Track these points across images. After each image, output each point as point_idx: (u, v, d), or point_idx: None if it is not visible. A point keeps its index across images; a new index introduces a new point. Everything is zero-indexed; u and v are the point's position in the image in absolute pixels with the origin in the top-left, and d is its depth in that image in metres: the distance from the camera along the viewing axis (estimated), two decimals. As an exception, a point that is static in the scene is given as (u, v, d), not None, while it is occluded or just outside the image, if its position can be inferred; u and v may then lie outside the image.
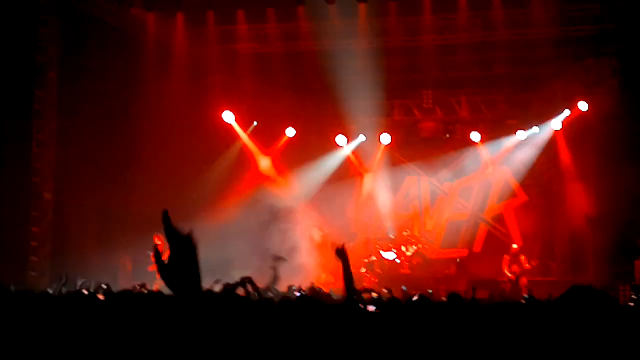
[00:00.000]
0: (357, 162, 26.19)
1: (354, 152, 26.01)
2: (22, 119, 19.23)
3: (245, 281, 6.92)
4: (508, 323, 5.71)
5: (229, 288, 6.28)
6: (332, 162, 25.71)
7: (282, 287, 12.76)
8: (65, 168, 19.96)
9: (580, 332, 4.43)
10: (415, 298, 6.34)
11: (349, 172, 26.34)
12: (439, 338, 5.72)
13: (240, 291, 7.25)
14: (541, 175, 25.08)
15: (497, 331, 5.64)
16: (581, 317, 4.43)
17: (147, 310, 5.63)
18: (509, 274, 21.78)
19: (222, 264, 22.33)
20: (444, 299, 10.38)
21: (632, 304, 14.38)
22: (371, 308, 7.14)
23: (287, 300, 5.50)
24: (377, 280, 23.21)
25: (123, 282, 21.02)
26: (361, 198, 26.52)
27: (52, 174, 19.66)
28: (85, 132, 20.60)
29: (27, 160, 19.27)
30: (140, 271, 21.58)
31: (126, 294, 6.24)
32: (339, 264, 5.91)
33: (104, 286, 17.36)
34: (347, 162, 26.06)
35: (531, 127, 24.34)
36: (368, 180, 26.43)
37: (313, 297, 6.34)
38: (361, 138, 25.66)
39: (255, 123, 24.91)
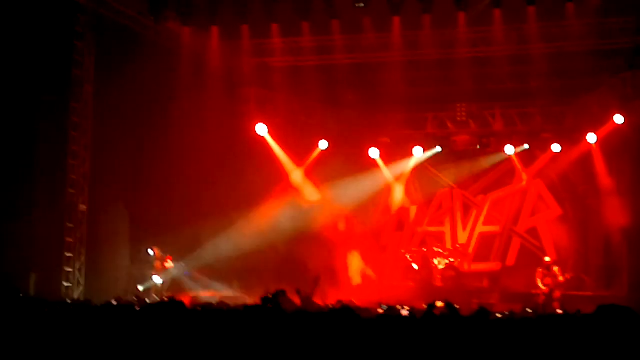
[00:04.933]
0: (388, 174, 26.15)
1: (387, 164, 26.01)
2: (59, 131, 19.46)
3: (280, 294, 6.95)
4: (541, 337, 5.67)
5: (265, 300, 6.32)
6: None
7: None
8: (99, 179, 20.14)
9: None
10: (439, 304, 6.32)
11: (381, 184, 26.31)
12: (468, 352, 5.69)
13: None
14: (576, 188, 24.87)
15: (532, 345, 5.60)
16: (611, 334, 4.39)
17: (181, 321, 5.67)
18: (543, 287, 21.58)
19: (253, 272, 22.52)
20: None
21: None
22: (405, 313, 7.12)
23: (321, 312, 5.51)
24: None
25: (156, 292, 21.18)
26: (392, 210, 26.48)
27: (87, 185, 19.85)
28: (119, 143, 20.79)
29: (63, 172, 19.47)
30: (172, 281, 21.73)
31: (160, 305, 6.28)
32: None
33: (135, 298, 17.55)
34: (379, 174, 26.05)
35: (566, 140, 24.19)
36: (400, 192, 26.39)
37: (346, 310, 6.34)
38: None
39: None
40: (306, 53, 22.98)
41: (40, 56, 18.48)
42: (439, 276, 24.52)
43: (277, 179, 24.85)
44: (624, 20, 21.00)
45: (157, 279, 21.33)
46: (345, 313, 5.60)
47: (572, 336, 5.27)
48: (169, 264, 21.48)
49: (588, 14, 20.39)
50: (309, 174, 25.53)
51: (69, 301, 16.81)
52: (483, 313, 7.30)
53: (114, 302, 11.60)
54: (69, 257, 19.40)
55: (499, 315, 13.09)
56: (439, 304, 6.77)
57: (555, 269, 21.79)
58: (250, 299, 18.15)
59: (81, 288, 19.52)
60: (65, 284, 19.21)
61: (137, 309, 8.24)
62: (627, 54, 21.65)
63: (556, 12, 20.41)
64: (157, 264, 21.46)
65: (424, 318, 6.39)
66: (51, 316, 6.73)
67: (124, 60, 20.35)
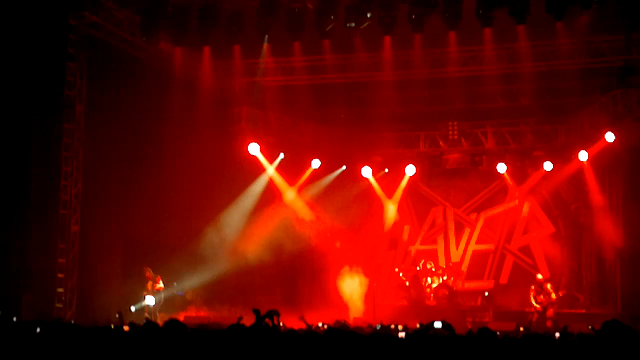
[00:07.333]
0: (381, 192, 26.17)
1: (379, 182, 26.06)
2: (51, 152, 19.44)
3: (272, 313, 6.94)
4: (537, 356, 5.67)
5: (259, 318, 6.31)
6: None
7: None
8: (91, 200, 20.10)
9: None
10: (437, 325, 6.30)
11: (373, 203, 26.32)
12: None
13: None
14: (568, 206, 24.92)
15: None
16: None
17: (174, 343, 5.65)
18: (536, 305, 21.56)
19: (246, 292, 22.47)
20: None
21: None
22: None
23: (314, 332, 5.50)
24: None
25: (148, 313, 21.07)
26: (385, 228, 26.47)
27: (79, 206, 19.82)
28: (111, 164, 20.76)
29: (55, 193, 19.44)
30: (165, 301, 21.64)
31: (150, 326, 6.26)
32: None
33: (117, 315, 17.42)
34: (371, 191, 26.08)
35: (558, 158, 24.26)
36: (392, 211, 26.39)
37: (339, 329, 6.33)
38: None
39: (281, 155, 24.96)
40: (298, 72, 23.05)
41: (33, 77, 18.49)
42: (432, 295, 24.50)
43: (270, 198, 24.84)
44: (613, 39, 21.14)
45: (150, 300, 21.21)
46: (346, 334, 5.59)
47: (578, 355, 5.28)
48: (160, 284, 21.36)
49: (578, 33, 20.51)
50: (302, 193, 25.54)
51: (61, 322, 16.71)
52: (486, 334, 7.24)
53: (105, 324, 11.54)
54: (61, 278, 19.33)
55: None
56: (437, 324, 6.69)
57: (548, 286, 21.78)
58: (244, 320, 18.08)
59: (73, 309, 19.43)
60: (57, 304, 19.13)
61: (127, 330, 8.21)
62: (617, 72, 21.77)
63: (546, 31, 20.50)
64: (149, 284, 21.36)
65: (423, 338, 6.38)
66: (43, 338, 6.69)
67: (116, 81, 20.37)
